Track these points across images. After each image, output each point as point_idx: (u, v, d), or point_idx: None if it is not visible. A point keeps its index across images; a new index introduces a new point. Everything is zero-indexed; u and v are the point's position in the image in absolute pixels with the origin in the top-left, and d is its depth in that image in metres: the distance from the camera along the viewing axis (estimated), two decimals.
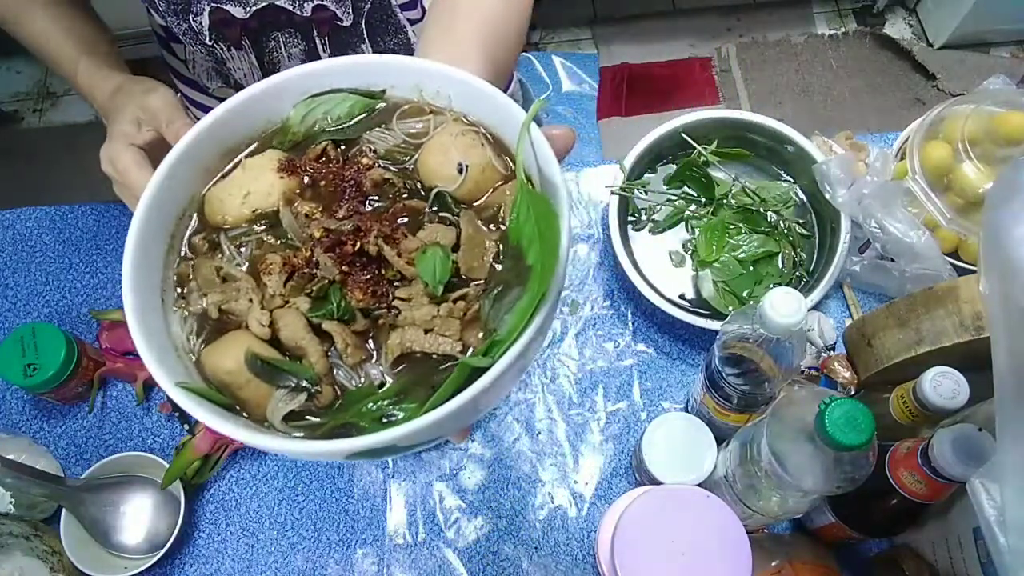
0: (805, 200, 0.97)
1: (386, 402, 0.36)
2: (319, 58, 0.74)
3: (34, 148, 2.25)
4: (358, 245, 0.38)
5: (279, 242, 0.40)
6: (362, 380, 0.37)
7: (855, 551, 0.81)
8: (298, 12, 0.70)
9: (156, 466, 0.85)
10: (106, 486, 0.84)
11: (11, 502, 0.82)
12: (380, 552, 0.85)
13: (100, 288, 0.99)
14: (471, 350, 0.36)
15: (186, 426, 0.88)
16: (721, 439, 0.79)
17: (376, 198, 0.41)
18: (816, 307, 0.91)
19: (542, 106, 0.41)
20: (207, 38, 0.73)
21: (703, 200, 0.97)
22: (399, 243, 0.38)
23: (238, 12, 0.70)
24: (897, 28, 2.30)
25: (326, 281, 0.38)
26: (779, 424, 0.65)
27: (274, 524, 0.87)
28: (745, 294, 0.91)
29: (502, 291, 0.36)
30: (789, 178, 0.98)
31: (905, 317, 0.78)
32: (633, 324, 0.95)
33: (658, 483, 0.78)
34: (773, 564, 0.74)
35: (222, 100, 0.84)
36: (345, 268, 0.38)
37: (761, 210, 0.95)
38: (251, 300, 0.38)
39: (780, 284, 0.88)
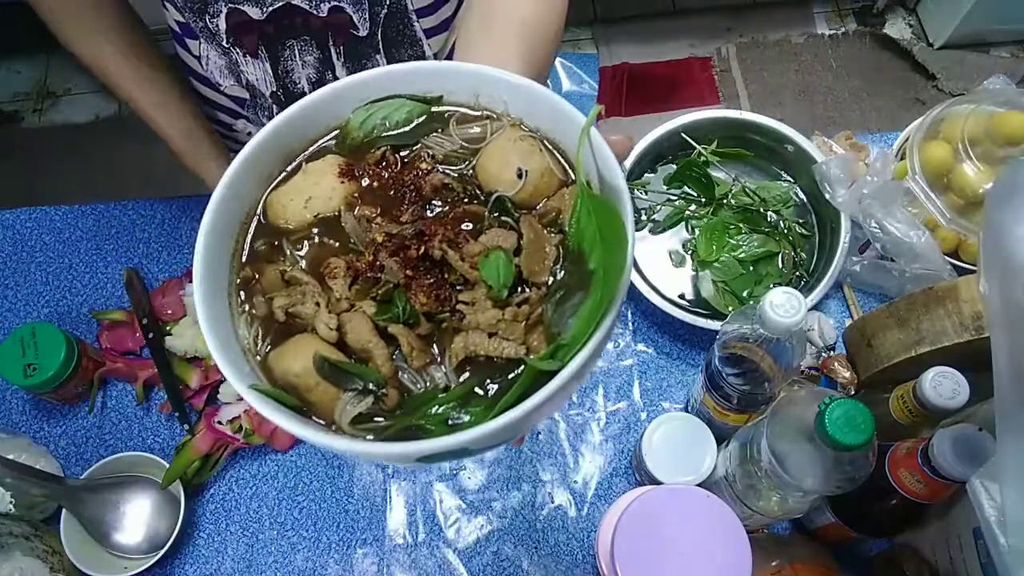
0: (805, 200, 0.97)
1: (451, 405, 0.36)
2: (333, 67, 0.75)
3: (34, 148, 2.25)
4: (422, 249, 0.38)
5: (340, 246, 0.40)
6: (427, 383, 0.38)
7: (855, 551, 0.81)
8: (314, 12, 0.71)
9: (156, 466, 0.85)
10: (106, 486, 0.84)
11: (11, 502, 0.82)
12: (380, 552, 0.85)
13: (100, 288, 0.99)
14: (534, 354, 0.37)
15: (186, 426, 0.88)
16: (721, 439, 0.79)
17: (437, 203, 0.41)
18: (816, 307, 0.91)
19: (599, 111, 0.42)
20: (224, 40, 0.74)
21: (703, 200, 0.97)
22: (462, 247, 0.39)
23: (255, 13, 0.70)
24: (897, 28, 2.29)
25: (391, 285, 0.38)
26: (779, 424, 0.65)
27: (274, 524, 0.87)
28: (745, 294, 0.91)
29: (564, 295, 0.37)
30: (789, 178, 0.98)
31: (905, 317, 0.78)
32: (633, 324, 0.95)
33: (658, 483, 0.78)
34: (773, 564, 0.74)
35: (234, 98, 0.85)
36: (409, 272, 0.38)
37: (761, 210, 0.95)
38: (318, 304, 0.38)
39: (780, 284, 0.88)
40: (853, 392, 0.86)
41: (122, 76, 0.76)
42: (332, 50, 0.75)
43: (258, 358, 0.39)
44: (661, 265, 0.94)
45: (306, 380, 0.37)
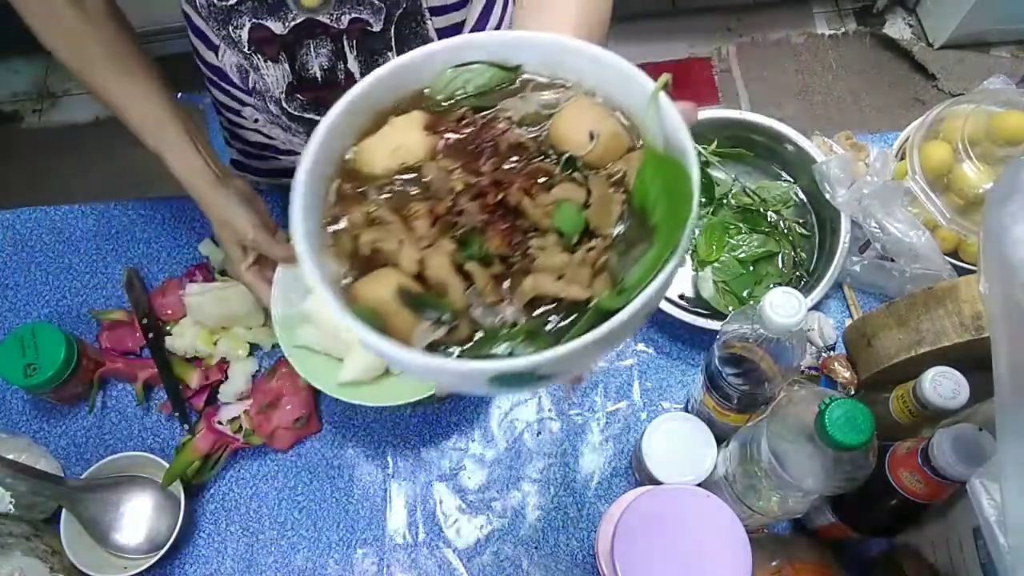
0: (805, 200, 0.97)
1: (518, 340, 0.39)
2: (345, 59, 0.78)
3: (34, 148, 2.25)
4: (500, 196, 0.42)
5: (420, 193, 0.44)
6: (496, 320, 0.41)
7: (855, 551, 0.81)
8: (334, 25, 0.73)
9: (156, 466, 0.85)
10: (106, 486, 0.84)
11: (11, 502, 0.82)
12: (380, 552, 0.86)
13: (100, 288, 0.99)
14: (597, 297, 0.40)
15: (186, 426, 0.88)
16: (721, 439, 0.79)
17: (513, 160, 0.44)
18: (816, 307, 0.91)
19: (668, 79, 0.47)
20: (245, 47, 0.75)
21: (703, 200, 0.97)
22: (535, 197, 0.42)
23: (277, 28, 0.72)
24: (897, 28, 2.29)
25: (468, 227, 0.42)
26: (779, 424, 0.65)
27: (274, 524, 0.87)
28: (745, 294, 0.91)
29: (628, 246, 0.41)
30: (789, 178, 0.98)
31: (905, 317, 0.78)
32: None
33: (658, 483, 0.78)
34: (773, 564, 0.74)
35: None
36: (485, 216, 0.42)
37: (761, 210, 0.95)
38: (401, 241, 0.42)
39: (780, 284, 0.88)
40: (853, 392, 0.86)
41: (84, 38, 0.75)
42: (345, 44, 0.77)
43: (342, 288, 0.43)
44: None
45: (388, 307, 0.40)
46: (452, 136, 0.45)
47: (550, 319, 0.40)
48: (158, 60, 0.81)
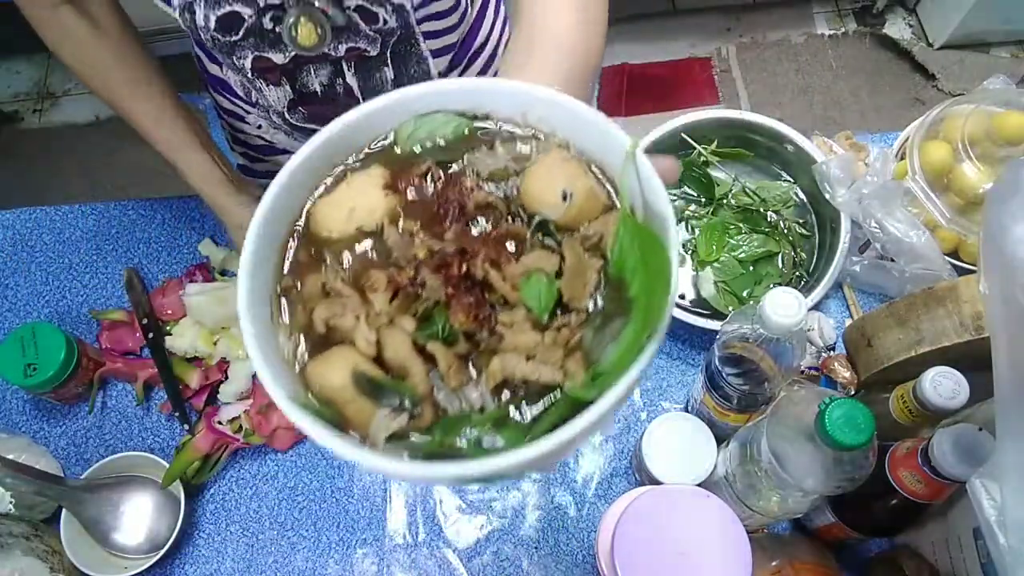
0: (805, 200, 0.97)
1: (486, 427, 0.36)
2: (343, 75, 0.78)
3: (34, 148, 2.25)
4: (464, 267, 0.38)
5: (381, 259, 0.40)
6: (462, 403, 0.37)
7: (855, 551, 0.81)
8: (332, 54, 0.74)
9: (156, 466, 0.85)
10: (106, 486, 0.84)
11: (11, 502, 0.82)
12: (380, 552, 0.85)
13: (100, 288, 0.99)
14: (571, 380, 0.37)
15: (186, 426, 0.88)
16: (721, 439, 0.79)
17: (480, 220, 0.41)
18: (816, 307, 0.91)
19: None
20: (248, 74, 0.77)
21: (703, 200, 0.97)
22: (504, 267, 0.38)
23: (278, 59, 0.74)
24: (897, 28, 2.29)
25: (431, 302, 0.38)
26: (779, 424, 0.65)
27: (274, 524, 0.87)
28: (745, 294, 0.91)
29: (604, 321, 0.37)
30: (789, 178, 0.98)
31: (905, 317, 0.78)
32: None
33: (658, 483, 0.78)
34: (773, 564, 0.74)
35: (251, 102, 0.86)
36: (450, 289, 0.38)
37: (761, 210, 0.95)
38: (358, 317, 0.38)
39: (780, 284, 0.88)
40: (853, 392, 0.86)
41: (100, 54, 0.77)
42: (344, 65, 0.78)
43: (295, 368, 0.39)
44: None
45: (343, 394, 0.36)
46: (414, 195, 0.41)
47: (520, 404, 0.37)
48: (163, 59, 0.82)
